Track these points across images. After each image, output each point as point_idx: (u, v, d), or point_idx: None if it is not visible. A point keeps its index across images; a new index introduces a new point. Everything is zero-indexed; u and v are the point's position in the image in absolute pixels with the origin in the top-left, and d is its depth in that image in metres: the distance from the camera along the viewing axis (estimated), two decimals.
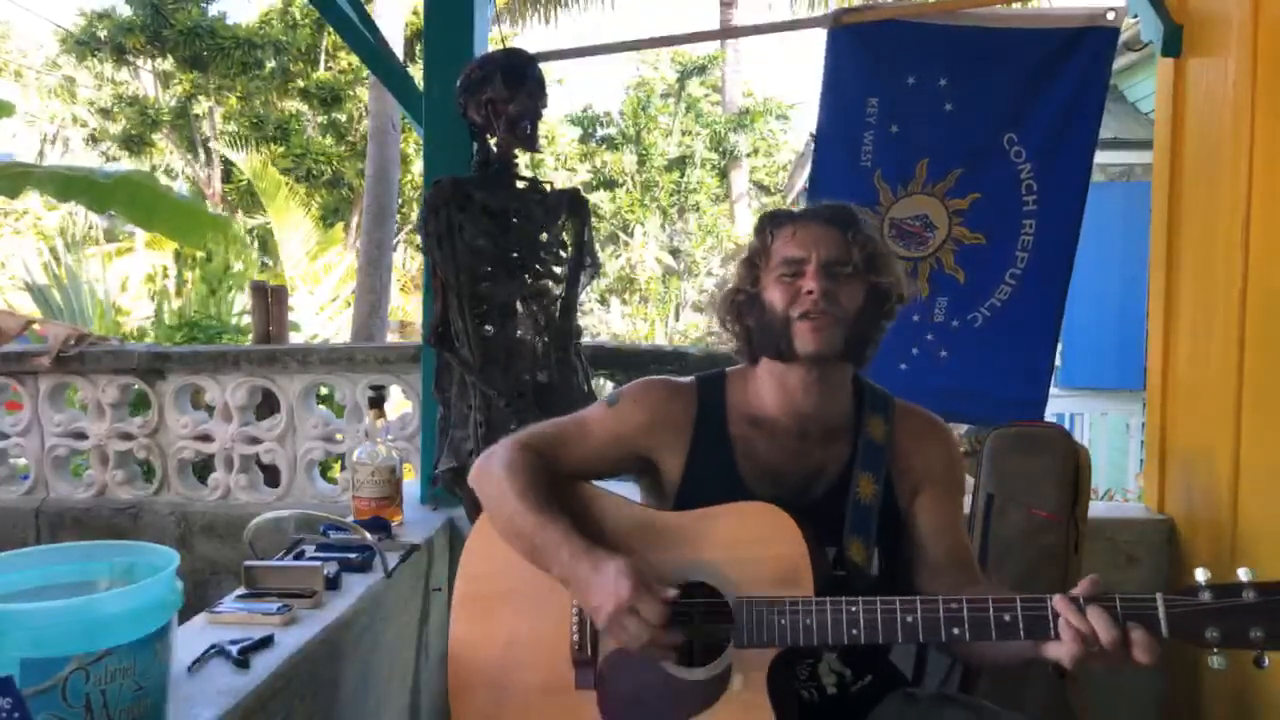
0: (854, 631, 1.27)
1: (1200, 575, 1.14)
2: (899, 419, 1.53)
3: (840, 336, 1.41)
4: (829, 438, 1.50)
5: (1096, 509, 2.53)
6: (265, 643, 1.46)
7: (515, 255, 2.31)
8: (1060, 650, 1.18)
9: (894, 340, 2.63)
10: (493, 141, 2.30)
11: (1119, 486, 5.88)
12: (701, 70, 18.34)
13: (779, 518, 1.36)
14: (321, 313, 9.91)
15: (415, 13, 11.04)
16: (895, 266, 1.50)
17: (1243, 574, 1.13)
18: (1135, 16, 2.61)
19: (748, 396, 1.52)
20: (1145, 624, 1.15)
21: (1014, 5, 6.51)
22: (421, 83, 2.64)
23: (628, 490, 1.59)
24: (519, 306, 2.33)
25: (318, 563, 1.75)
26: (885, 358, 2.61)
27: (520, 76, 2.26)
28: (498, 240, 2.27)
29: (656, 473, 1.54)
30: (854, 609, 1.27)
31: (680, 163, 17.69)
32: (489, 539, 1.50)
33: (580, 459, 1.52)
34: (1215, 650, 1.12)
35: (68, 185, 6.20)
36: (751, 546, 1.36)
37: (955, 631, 1.22)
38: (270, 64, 14.10)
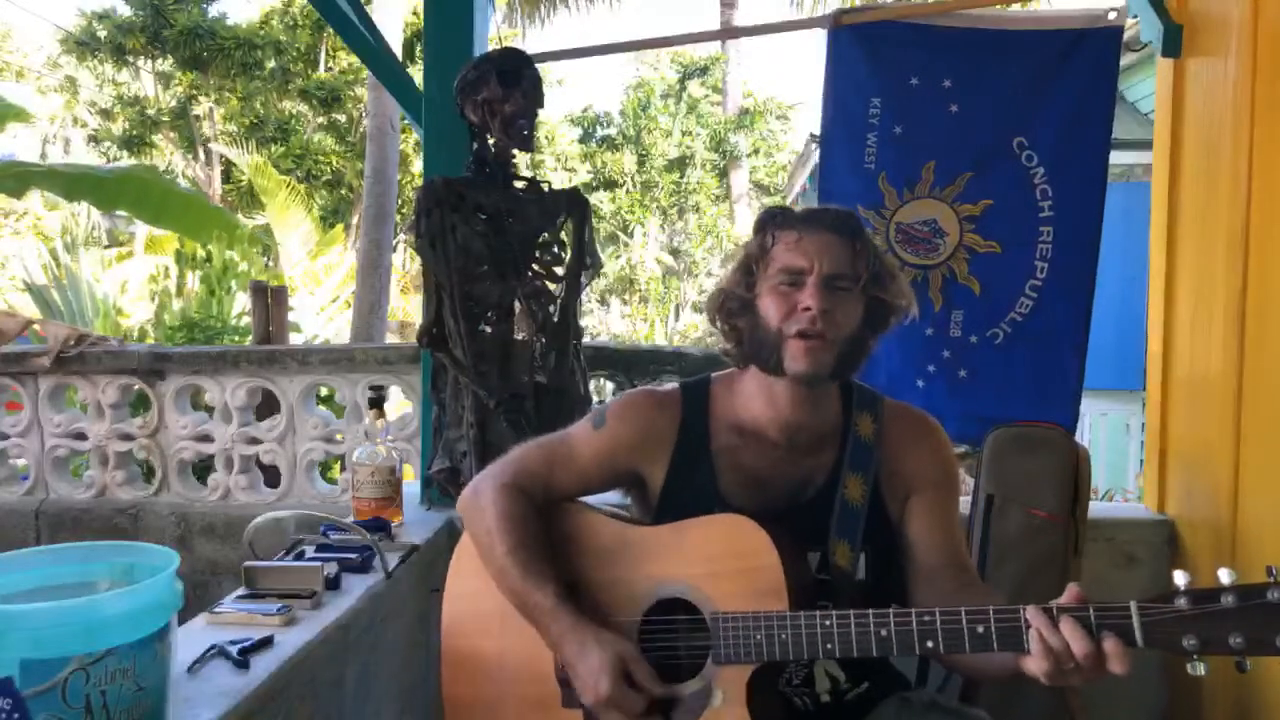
0: (828, 645, 1.24)
1: (1179, 579, 1.08)
2: (888, 419, 1.49)
3: (832, 357, 1.37)
4: (818, 445, 1.47)
5: (1096, 509, 2.52)
6: (265, 643, 1.46)
7: (510, 256, 2.29)
8: (1034, 665, 1.12)
9: (908, 357, 2.59)
10: (491, 142, 2.29)
11: (1119, 486, 5.88)
12: (703, 71, 18.32)
13: (751, 530, 1.33)
14: (322, 313, 9.89)
15: (415, 13, 11.04)
16: (900, 282, 1.45)
17: (1223, 575, 1.06)
18: (1135, 17, 2.60)
19: (734, 403, 1.49)
20: (1120, 634, 1.09)
21: (1014, 6, 6.50)
22: (421, 83, 2.64)
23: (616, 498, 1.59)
24: (518, 306, 2.33)
25: (318, 563, 1.75)
26: (900, 375, 2.59)
27: (515, 76, 2.24)
28: (491, 241, 2.26)
29: (643, 485, 1.52)
30: (828, 623, 1.24)
31: (680, 163, 17.67)
32: (474, 556, 1.50)
33: (570, 487, 1.51)
34: (1195, 657, 1.06)
35: (74, 184, 6.17)
36: (726, 560, 1.34)
37: (929, 644, 1.19)
38: (270, 64, 14.09)
